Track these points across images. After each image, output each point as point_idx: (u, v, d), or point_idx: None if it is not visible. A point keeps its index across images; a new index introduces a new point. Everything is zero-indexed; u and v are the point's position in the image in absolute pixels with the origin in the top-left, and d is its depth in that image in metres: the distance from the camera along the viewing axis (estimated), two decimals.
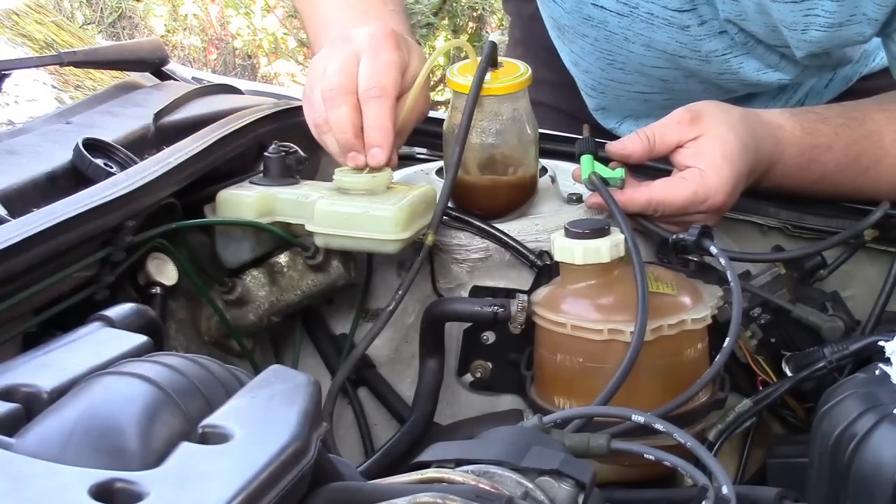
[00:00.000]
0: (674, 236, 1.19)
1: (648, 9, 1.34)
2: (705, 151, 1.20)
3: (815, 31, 1.26)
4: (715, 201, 1.20)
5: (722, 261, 1.13)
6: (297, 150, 1.26)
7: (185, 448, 0.60)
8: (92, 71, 1.64)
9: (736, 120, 1.23)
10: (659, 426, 0.88)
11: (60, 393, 0.64)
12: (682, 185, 1.20)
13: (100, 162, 1.15)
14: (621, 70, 1.44)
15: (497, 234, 1.24)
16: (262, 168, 1.25)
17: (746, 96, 1.46)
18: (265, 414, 0.64)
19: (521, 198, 1.28)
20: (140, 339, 0.73)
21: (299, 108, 1.28)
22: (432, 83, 5.01)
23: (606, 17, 1.37)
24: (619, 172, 1.21)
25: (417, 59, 1.23)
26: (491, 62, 1.23)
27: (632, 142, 1.23)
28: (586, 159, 1.21)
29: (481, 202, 1.27)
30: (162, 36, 5.59)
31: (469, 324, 1.25)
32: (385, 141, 1.17)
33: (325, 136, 1.21)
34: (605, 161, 1.23)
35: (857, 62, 1.51)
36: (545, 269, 1.22)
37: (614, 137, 1.29)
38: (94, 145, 1.18)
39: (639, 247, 1.12)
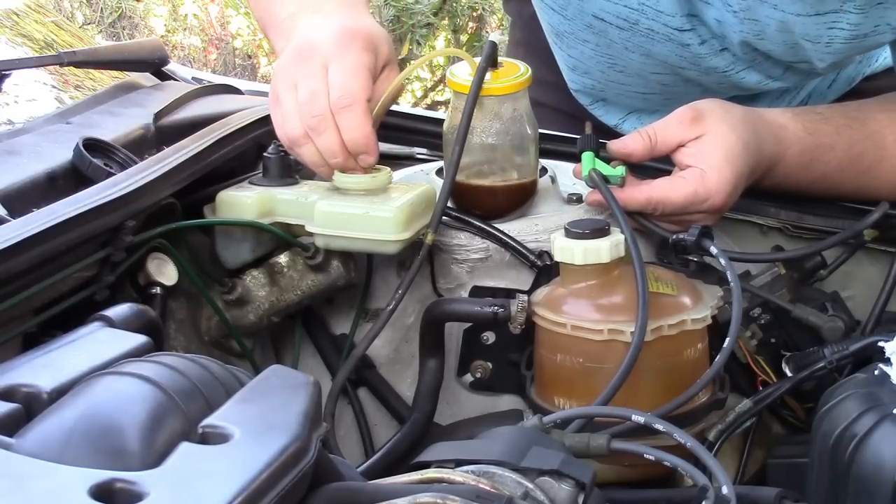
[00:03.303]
0: (674, 236, 1.19)
1: (649, 25, 1.34)
2: (706, 151, 1.20)
3: (839, 44, 1.26)
4: (715, 201, 1.20)
5: (722, 261, 1.13)
6: None
7: (185, 448, 0.60)
8: (92, 71, 1.64)
9: (738, 119, 1.23)
10: (659, 426, 0.88)
11: (60, 393, 0.64)
12: (682, 185, 1.20)
13: (100, 162, 1.15)
14: (622, 73, 1.44)
15: (497, 234, 1.24)
16: (261, 168, 1.25)
17: (749, 97, 1.46)
18: (265, 414, 0.64)
19: (520, 198, 1.28)
20: (140, 339, 0.73)
21: None
22: (432, 83, 5.01)
23: (607, 28, 1.37)
24: (620, 170, 1.21)
25: (385, 45, 1.23)
26: (491, 62, 1.23)
27: (633, 140, 1.23)
28: (587, 156, 1.22)
29: (481, 202, 1.27)
30: (162, 36, 5.59)
31: (469, 324, 1.25)
32: (370, 146, 1.18)
33: (299, 149, 1.20)
34: (607, 160, 1.23)
35: (860, 63, 1.51)
36: (545, 269, 1.22)
37: (617, 135, 1.29)
38: (94, 145, 1.18)
39: (638, 246, 1.12)
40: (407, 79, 1.26)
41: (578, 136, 1.24)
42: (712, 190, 1.20)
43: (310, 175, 1.31)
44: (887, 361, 0.91)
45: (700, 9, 1.31)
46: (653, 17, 1.33)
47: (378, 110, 1.20)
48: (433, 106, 5.08)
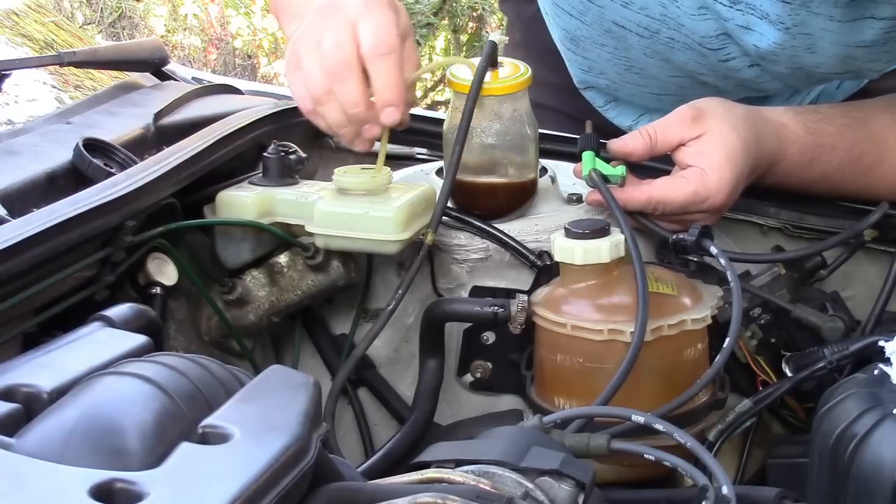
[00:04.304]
0: (674, 236, 1.19)
1: (670, 35, 1.34)
2: (707, 151, 1.20)
3: None
4: (715, 201, 1.20)
5: (722, 261, 1.13)
6: (296, 150, 1.26)
7: (185, 448, 0.60)
8: (92, 71, 1.64)
9: (739, 118, 1.23)
10: (659, 426, 0.88)
11: (60, 393, 0.64)
12: (682, 185, 1.20)
13: (100, 162, 1.15)
14: (638, 75, 1.44)
15: (497, 234, 1.24)
16: (261, 168, 1.25)
17: (760, 97, 1.46)
18: (265, 414, 0.64)
19: (521, 198, 1.28)
20: (140, 339, 0.73)
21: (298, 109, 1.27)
22: (432, 83, 5.01)
23: (626, 35, 1.37)
24: (621, 170, 1.21)
25: (404, 17, 1.21)
26: (491, 62, 1.23)
27: (633, 140, 1.23)
28: (587, 156, 1.22)
29: (481, 202, 1.27)
30: (162, 36, 5.59)
31: (469, 324, 1.25)
32: (398, 98, 1.15)
33: (323, 108, 1.17)
34: (608, 159, 1.23)
35: None
36: (545, 269, 1.22)
37: (619, 135, 1.28)
38: (94, 145, 1.18)
39: (638, 246, 1.12)
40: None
41: (579, 136, 1.24)
42: (712, 189, 1.20)
43: (310, 175, 1.31)
44: (887, 361, 0.91)
45: (738, 34, 1.30)
46: (674, 28, 1.33)
47: (411, 80, 1.18)
48: (433, 106, 5.08)
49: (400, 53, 1.15)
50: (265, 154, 1.24)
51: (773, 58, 1.31)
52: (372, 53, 1.14)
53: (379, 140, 1.20)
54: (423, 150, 1.44)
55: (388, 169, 1.22)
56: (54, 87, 1.59)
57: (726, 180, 1.20)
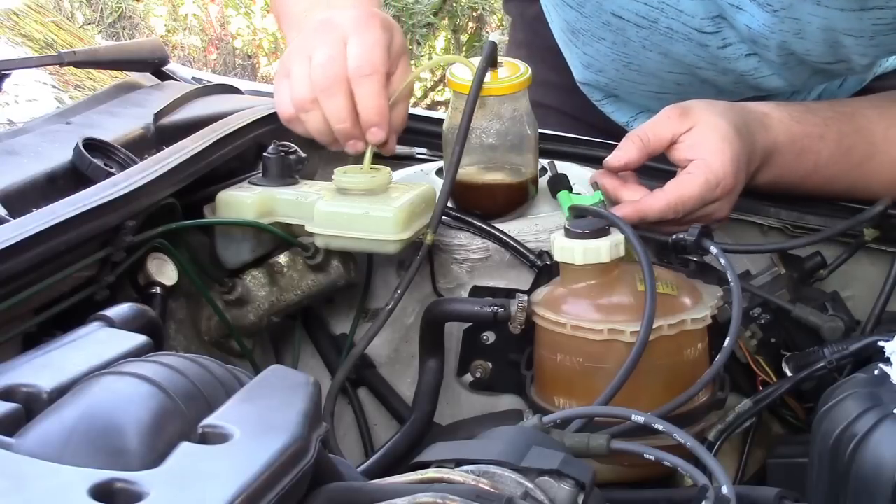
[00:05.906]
0: (674, 236, 1.19)
1: (668, 24, 1.34)
2: (701, 139, 1.20)
3: (883, 36, 1.26)
4: (727, 183, 1.20)
5: (722, 261, 1.13)
6: (296, 150, 1.26)
7: (185, 448, 0.60)
8: (92, 71, 1.64)
9: (724, 108, 1.24)
10: (659, 426, 0.88)
11: (60, 393, 0.64)
12: (691, 179, 1.20)
13: (100, 162, 1.15)
14: (637, 72, 1.44)
15: (497, 234, 1.24)
16: (261, 168, 1.25)
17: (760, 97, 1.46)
18: (265, 414, 0.64)
19: (520, 198, 1.28)
20: (140, 339, 0.73)
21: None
22: (432, 83, 5.01)
23: (625, 26, 1.37)
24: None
25: (399, 37, 1.24)
26: (491, 62, 1.23)
27: (626, 150, 1.23)
28: (563, 196, 1.23)
29: (481, 202, 1.27)
30: (162, 36, 5.59)
31: (469, 324, 1.25)
32: (382, 119, 1.18)
33: (305, 116, 1.19)
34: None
35: None
36: (545, 269, 1.22)
37: (621, 134, 1.28)
38: (94, 145, 1.18)
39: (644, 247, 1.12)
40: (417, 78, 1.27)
41: (578, 137, 1.25)
42: (720, 173, 1.19)
43: (310, 175, 1.31)
44: (887, 361, 0.91)
45: (731, 13, 1.30)
46: (672, 17, 1.33)
47: (397, 97, 1.20)
48: (433, 106, 5.08)
49: (383, 74, 1.18)
50: (265, 154, 1.24)
51: (764, 42, 1.31)
52: (355, 73, 1.17)
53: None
54: (423, 150, 1.44)
55: (388, 169, 1.22)
56: (54, 87, 1.59)
57: (728, 160, 1.19)
